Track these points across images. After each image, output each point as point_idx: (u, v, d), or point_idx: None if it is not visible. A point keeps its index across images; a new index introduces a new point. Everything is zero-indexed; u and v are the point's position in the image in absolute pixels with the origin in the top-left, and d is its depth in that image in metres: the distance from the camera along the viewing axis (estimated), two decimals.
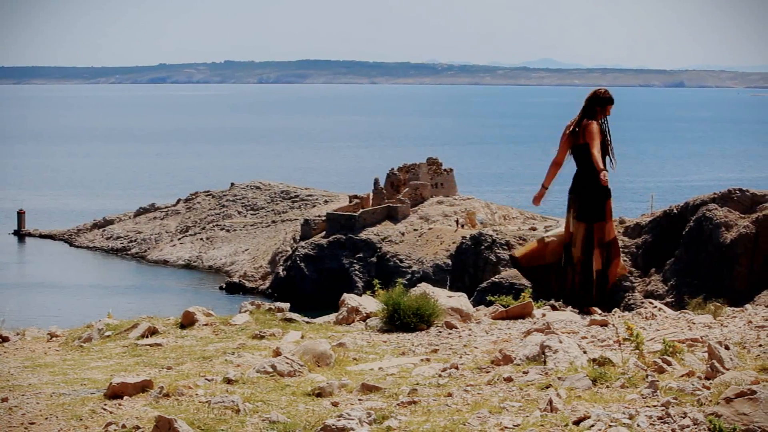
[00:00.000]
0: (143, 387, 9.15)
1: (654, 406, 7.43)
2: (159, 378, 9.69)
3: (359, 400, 8.71)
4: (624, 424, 7.05)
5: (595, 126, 13.62)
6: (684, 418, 7.08)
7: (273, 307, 13.74)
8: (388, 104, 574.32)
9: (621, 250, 13.15)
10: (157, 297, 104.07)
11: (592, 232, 13.69)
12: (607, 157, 13.81)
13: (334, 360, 10.44)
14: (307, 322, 13.36)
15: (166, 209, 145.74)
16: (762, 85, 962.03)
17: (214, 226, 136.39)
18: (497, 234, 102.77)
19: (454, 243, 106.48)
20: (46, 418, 8.48)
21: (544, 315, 13.07)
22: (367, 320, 13.28)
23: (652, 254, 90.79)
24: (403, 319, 12.54)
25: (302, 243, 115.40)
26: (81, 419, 8.41)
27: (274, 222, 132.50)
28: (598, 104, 13.81)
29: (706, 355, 8.79)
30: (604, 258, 13.75)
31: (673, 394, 7.64)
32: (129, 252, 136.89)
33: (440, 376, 9.45)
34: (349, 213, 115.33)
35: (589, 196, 13.67)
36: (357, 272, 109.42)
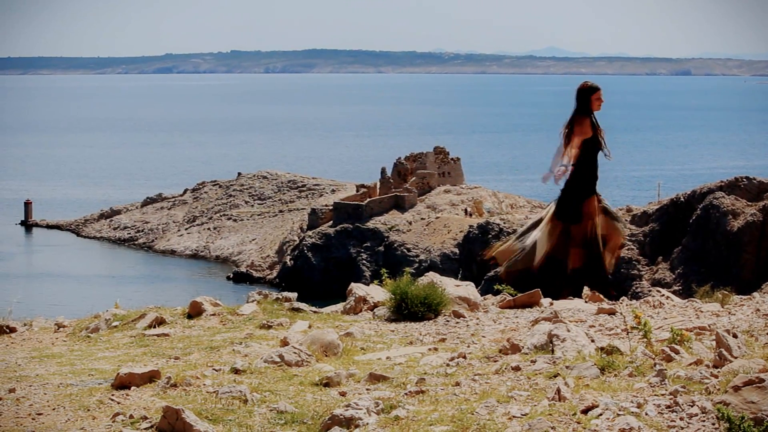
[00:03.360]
0: (151, 377, 9.16)
1: (662, 394, 7.42)
2: (166, 368, 9.69)
3: (367, 389, 8.71)
4: (632, 412, 7.04)
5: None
6: (692, 406, 7.07)
7: (280, 297, 13.75)
8: (395, 93, 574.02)
9: (628, 237, 12.96)
10: (165, 287, 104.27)
11: (567, 232, 14.06)
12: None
13: (342, 350, 10.44)
14: (315, 312, 13.36)
15: (173, 199, 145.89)
16: None
17: (221, 216, 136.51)
18: (504, 223, 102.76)
19: (461, 232, 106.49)
20: (54, 409, 8.48)
21: (551, 303, 13.06)
22: (375, 310, 13.28)
23: (659, 242, 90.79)
24: (411, 309, 12.54)
25: (309, 232, 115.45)
26: (88, 410, 8.42)
27: (281, 211, 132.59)
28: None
29: (714, 343, 8.77)
30: (587, 257, 14.06)
31: (681, 383, 7.63)
32: (136, 242, 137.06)
33: (448, 365, 9.44)
34: (357, 202, 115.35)
35: (565, 196, 14.15)
36: (364, 261, 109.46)
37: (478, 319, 12.42)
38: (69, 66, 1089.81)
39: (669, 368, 8.10)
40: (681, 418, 6.94)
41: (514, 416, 7.31)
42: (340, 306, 13.86)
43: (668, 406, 7.14)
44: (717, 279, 71.27)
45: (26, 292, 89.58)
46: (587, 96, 14.00)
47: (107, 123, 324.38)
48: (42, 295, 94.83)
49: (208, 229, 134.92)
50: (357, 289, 13.88)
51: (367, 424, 7.52)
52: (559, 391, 7.59)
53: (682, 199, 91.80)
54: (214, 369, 9.61)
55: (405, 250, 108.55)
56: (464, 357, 9.67)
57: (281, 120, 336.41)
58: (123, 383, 9.07)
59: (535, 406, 7.49)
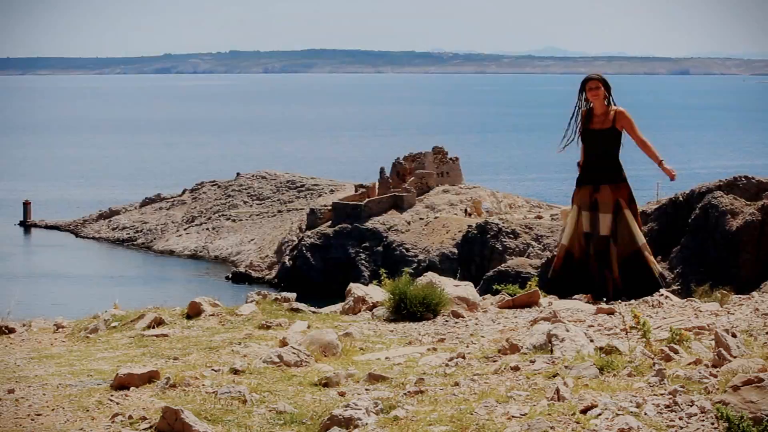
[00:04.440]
0: (150, 378, 9.16)
1: (661, 394, 7.42)
2: (165, 369, 9.69)
3: (366, 389, 8.72)
4: (631, 412, 7.04)
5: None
6: (691, 406, 7.08)
7: (279, 297, 13.74)
8: (394, 93, 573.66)
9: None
10: (164, 287, 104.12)
11: None
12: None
13: (341, 350, 10.44)
14: (314, 312, 13.36)
15: (171, 199, 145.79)
16: None
17: (220, 216, 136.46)
18: (503, 222, 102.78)
19: (460, 232, 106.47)
20: (53, 410, 8.48)
21: (550, 303, 13.05)
22: (374, 310, 13.28)
23: (658, 242, 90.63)
24: (410, 309, 12.54)
25: (308, 232, 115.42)
26: (87, 410, 8.42)
27: (280, 212, 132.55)
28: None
29: (713, 342, 8.77)
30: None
31: (680, 383, 7.63)
32: (135, 242, 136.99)
33: (447, 365, 9.44)
34: (355, 202, 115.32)
35: None
36: (363, 261, 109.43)
37: (477, 319, 12.43)
38: (68, 66, 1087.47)
39: (668, 368, 8.11)
40: (680, 418, 6.94)
41: (513, 416, 7.31)
42: (339, 306, 13.86)
43: (667, 406, 7.15)
44: (716, 278, 71.08)
45: (25, 292, 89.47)
46: (581, 88, 13.87)
47: (106, 123, 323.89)
48: (41, 295, 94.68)
49: (207, 229, 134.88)
50: (356, 289, 13.88)
51: (366, 424, 7.52)
52: (558, 391, 7.59)
53: (681, 199, 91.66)
54: (213, 369, 9.61)
55: (404, 250, 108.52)
56: (463, 357, 9.67)
57: (280, 120, 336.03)
58: (122, 384, 9.07)
59: (534, 406, 7.50)
